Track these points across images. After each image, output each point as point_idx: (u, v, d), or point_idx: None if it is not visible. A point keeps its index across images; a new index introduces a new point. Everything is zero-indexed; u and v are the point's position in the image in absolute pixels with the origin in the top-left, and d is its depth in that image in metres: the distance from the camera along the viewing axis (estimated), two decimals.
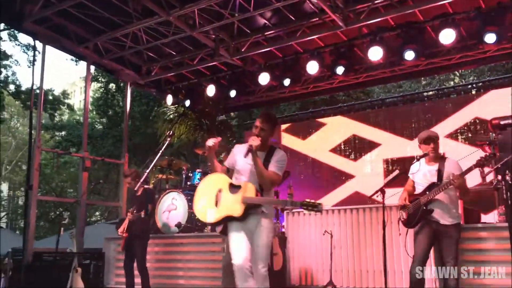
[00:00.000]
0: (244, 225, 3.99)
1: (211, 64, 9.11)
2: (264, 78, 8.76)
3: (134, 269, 6.52)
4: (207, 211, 4.03)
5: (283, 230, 7.24)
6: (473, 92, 9.70)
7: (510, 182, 4.79)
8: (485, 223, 5.35)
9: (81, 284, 6.56)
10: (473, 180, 4.75)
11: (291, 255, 6.95)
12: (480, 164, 4.44)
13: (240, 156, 4.13)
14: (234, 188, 4.01)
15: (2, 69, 22.76)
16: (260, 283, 3.90)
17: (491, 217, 6.62)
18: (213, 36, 8.25)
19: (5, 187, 35.01)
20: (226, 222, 4.01)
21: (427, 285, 4.98)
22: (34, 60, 7.93)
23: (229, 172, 4.17)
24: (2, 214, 35.67)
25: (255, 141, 3.98)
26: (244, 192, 3.92)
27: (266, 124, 4.12)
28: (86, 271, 6.93)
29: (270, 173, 3.98)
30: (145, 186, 3.93)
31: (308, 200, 3.73)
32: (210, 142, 4.07)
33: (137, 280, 6.46)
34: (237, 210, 3.90)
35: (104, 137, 22.77)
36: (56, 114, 26.16)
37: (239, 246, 3.96)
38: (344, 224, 6.65)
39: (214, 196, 4.02)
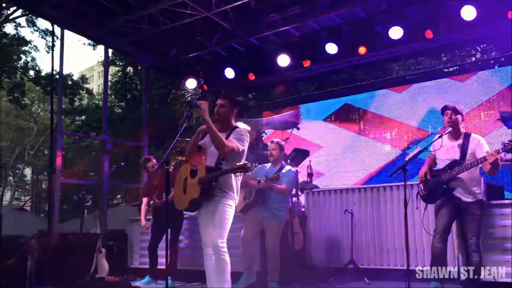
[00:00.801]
0: (207, 207, 4.14)
1: (228, 45, 9.06)
2: (283, 60, 8.68)
3: (158, 249, 6.67)
4: (181, 200, 4.28)
5: (304, 209, 7.25)
6: (496, 67, 9.49)
7: None
8: (508, 199, 5.27)
9: (106, 265, 6.69)
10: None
11: (312, 234, 6.98)
12: (508, 149, 4.34)
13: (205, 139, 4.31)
14: (193, 172, 4.20)
15: (22, 55, 23.00)
16: (214, 256, 4.04)
17: None
18: (230, 16, 8.19)
19: (28, 171, 35.70)
20: (195, 205, 4.20)
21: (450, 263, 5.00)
22: (53, 45, 7.98)
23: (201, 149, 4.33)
24: (26, 198, 36.46)
25: (204, 104, 4.10)
26: (199, 173, 4.11)
27: (225, 101, 4.26)
28: (110, 252, 7.06)
29: (224, 140, 4.06)
30: (165, 167, 3.99)
31: (237, 164, 3.91)
32: (203, 126, 4.21)
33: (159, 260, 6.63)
34: (196, 192, 4.07)
35: (123, 120, 22.96)
36: (75, 99, 26.42)
37: (203, 235, 4.21)
38: (365, 203, 6.64)
39: (182, 185, 4.25)
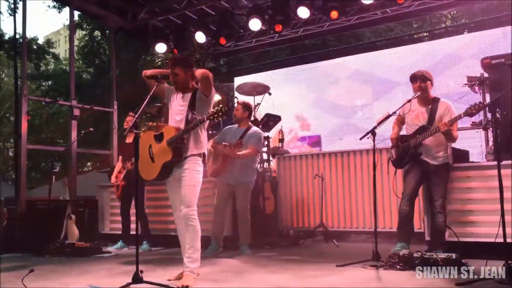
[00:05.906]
0: (174, 173, 4.07)
1: (198, 7, 8.86)
2: (254, 24, 8.57)
3: (130, 215, 6.65)
4: (149, 170, 4.12)
5: (275, 174, 7.30)
6: (465, 33, 9.58)
7: (500, 120, 4.82)
8: (472, 162, 5.42)
9: (76, 231, 6.62)
10: (462, 120, 4.76)
11: (283, 198, 7.05)
12: (469, 113, 4.42)
13: (173, 102, 4.19)
14: (157, 137, 4.08)
15: None
16: (184, 224, 3.99)
17: (478, 157, 6.74)
18: None
19: None
20: (167, 170, 4.06)
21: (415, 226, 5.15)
22: (15, 7, 7.63)
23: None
24: None
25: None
26: (166, 135, 4.00)
27: (176, 68, 4.09)
28: (81, 219, 6.98)
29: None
30: (135, 132, 3.89)
31: (213, 110, 3.80)
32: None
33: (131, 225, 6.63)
34: (167, 154, 3.97)
35: (92, 86, 22.42)
36: (41, 64, 25.61)
37: (172, 200, 4.18)
38: (335, 168, 6.72)
39: (148, 154, 4.11)
